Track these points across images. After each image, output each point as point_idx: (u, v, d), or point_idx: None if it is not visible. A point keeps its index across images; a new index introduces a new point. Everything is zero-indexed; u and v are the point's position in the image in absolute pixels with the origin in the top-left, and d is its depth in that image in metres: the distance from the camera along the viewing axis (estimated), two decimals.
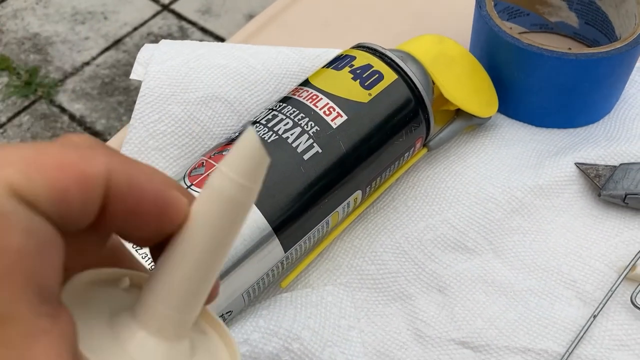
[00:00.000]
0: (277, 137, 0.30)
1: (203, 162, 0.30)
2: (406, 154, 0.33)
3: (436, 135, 0.35)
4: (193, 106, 0.34)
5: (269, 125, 0.30)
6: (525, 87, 0.36)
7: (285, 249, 0.29)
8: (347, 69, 0.32)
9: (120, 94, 1.25)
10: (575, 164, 0.35)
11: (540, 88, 0.36)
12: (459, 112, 0.36)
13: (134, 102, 1.28)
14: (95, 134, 1.19)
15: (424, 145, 0.35)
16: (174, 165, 0.34)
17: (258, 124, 0.31)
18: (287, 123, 0.30)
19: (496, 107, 0.37)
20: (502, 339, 0.30)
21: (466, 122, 0.36)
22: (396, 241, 0.33)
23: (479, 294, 0.32)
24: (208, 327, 0.18)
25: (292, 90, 0.33)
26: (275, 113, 0.31)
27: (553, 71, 0.34)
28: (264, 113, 0.32)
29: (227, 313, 0.29)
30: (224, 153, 0.30)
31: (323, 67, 0.34)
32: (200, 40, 1.33)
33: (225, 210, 0.15)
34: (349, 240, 0.33)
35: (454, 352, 0.30)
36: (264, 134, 0.30)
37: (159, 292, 0.15)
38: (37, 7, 1.42)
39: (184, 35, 1.34)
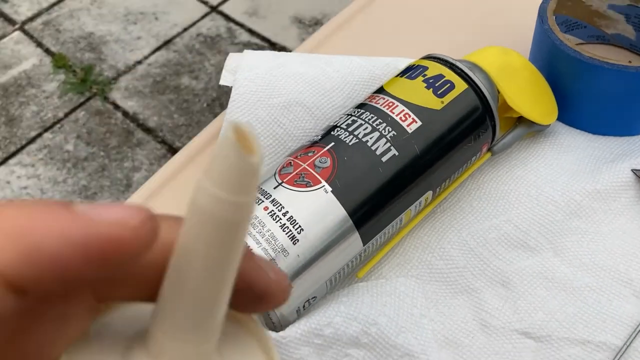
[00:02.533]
0: (357, 140, 0.33)
1: (290, 162, 0.33)
2: (473, 158, 0.36)
3: (499, 141, 0.38)
4: (277, 110, 0.37)
5: (349, 129, 0.33)
6: (584, 97, 0.38)
7: (364, 242, 0.32)
8: (421, 78, 0.35)
9: (171, 92, 1.30)
10: (631, 170, 0.37)
11: (599, 98, 0.38)
12: (520, 119, 0.39)
13: (184, 101, 1.33)
14: (148, 130, 1.24)
15: (488, 149, 0.38)
16: None
17: (339, 128, 0.34)
18: (367, 128, 0.33)
19: (556, 115, 0.39)
20: (562, 331, 0.32)
21: (527, 128, 0.38)
22: (463, 239, 0.35)
23: (540, 289, 0.34)
24: (247, 336, 0.16)
25: (369, 97, 0.35)
26: (355, 118, 0.34)
27: (613, 83, 0.37)
28: (343, 118, 0.34)
29: (312, 298, 0.32)
30: (309, 154, 0.33)
31: (397, 76, 0.36)
32: (248, 41, 1.37)
33: (222, 235, 0.13)
34: (419, 236, 0.36)
35: (517, 342, 0.32)
36: (344, 137, 0.33)
37: (165, 325, 0.14)
38: (92, 7, 1.48)
39: (231, 36, 1.38)
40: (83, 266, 0.12)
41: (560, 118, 0.40)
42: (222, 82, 0.38)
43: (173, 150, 1.20)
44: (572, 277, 0.34)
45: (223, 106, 1.27)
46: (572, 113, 0.40)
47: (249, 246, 0.17)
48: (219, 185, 0.12)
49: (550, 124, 0.39)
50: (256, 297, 0.15)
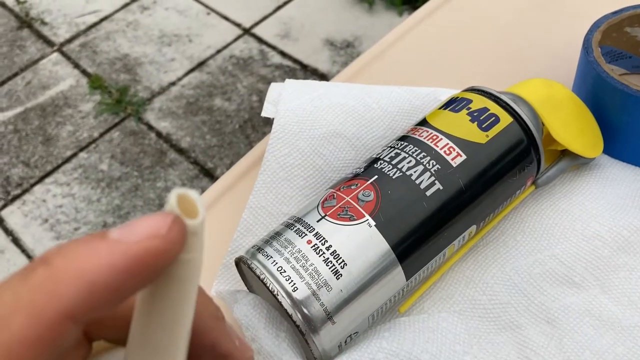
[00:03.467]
0: (401, 174, 0.33)
1: (333, 195, 0.33)
2: (517, 191, 0.35)
3: (544, 174, 0.37)
4: (317, 141, 0.37)
5: (393, 162, 0.33)
6: (631, 129, 0.38)
7: (407, 277, 0.32)
8: (465, 111, 0.35)
9: (204, 113, 1.31)
10: None
11: None
12: (565, 152, 0.38)
13: (217, 122, 1.35)
14: (181, 150, 1.25)
15: (533, 182, 0.37)
16: (299, 194, 0.37)
17: (382, 161, 0.34)
18: (410, 161, 0.33)
19: (601, 148, 0.38)
20: None
21: (572, 161, 0.38)
22: (506, 274, 0.35)
23: (587, 327, 0.33)
24: None
25: (411, 130, 0.35)
26: (398, 151, 0.34)
27: None
28: (386, 151, 0.34)
29: (354, 334, 0.31)
30: (352, 187, 0.33)
31: (440, 108, 0.36)
32: (280, 63, 1.38)
33: (170, 288, 0.15)
34: (461, 270, 0.35)
35: None
36: (388, 170, 0.33)
37: None
38: (128, 29, 1.51)
39: (264, 59, 1.39)
40: (130, 284, 0.14)
41: (606, 150, 0.39)
42: (263, 114, 0.38)
43: (205, 171, 1.21)
44: (621, 316, 0.33)
45: (255, 128, 1.28)
46: (618, 145, 0.39)
47: (219, 309, 0.18)
48: None
49: (595, 157, 0.38)
50: (218, 358, 0.17)
